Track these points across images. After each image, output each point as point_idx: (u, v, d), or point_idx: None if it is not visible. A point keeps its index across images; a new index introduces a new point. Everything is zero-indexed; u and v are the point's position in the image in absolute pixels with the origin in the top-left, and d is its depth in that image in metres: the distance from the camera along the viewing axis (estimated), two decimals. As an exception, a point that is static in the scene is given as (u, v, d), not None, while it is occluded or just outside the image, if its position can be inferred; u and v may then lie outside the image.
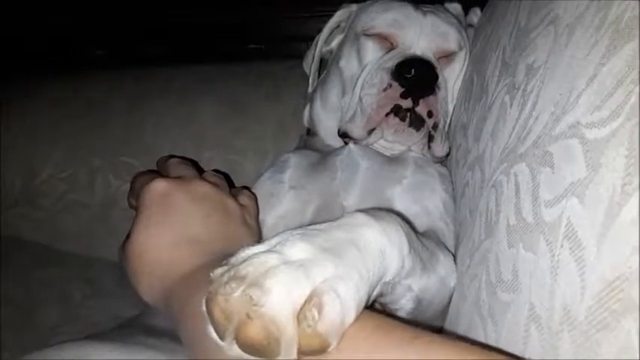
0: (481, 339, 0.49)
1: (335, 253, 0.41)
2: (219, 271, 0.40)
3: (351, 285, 0.40)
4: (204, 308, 0.38)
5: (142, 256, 0.58)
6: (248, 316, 0.35)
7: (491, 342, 0.46)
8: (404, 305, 0.58)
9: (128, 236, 0.60)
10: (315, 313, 0.36)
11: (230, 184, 0.71)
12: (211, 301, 0.37)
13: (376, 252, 0.46)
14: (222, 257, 0.48)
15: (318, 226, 0.45)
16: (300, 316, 0.36)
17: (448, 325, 0.64)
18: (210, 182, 0.66)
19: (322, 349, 0.36)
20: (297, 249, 0.40)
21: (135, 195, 0.65)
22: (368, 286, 0.43)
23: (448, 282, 0.63)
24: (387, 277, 0.48)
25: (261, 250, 0.41)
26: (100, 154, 1.21)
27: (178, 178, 0.65)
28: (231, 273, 0.38)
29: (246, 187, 0.76)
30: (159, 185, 0.61)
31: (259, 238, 0.66)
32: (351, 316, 0.38)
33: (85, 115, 1.24)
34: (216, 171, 0.72)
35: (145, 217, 0.60)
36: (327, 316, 0.36)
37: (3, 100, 1.26)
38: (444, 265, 0.62)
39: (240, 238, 0.63)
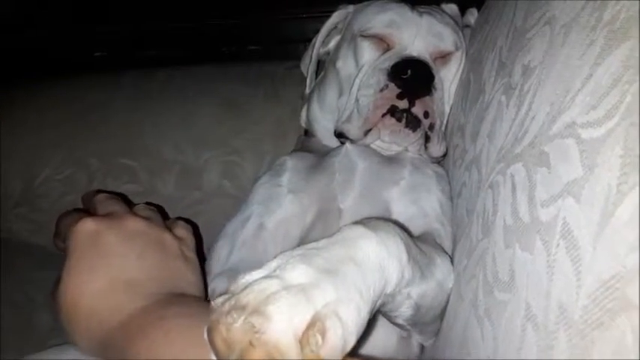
0: (478, 338, 0.49)
1: (335, 274, 0.42)
2: (219, 300, 0.40)
3: (353, 307, 0.41)
4: (205, 337, 0.39)
5: (75, 305, 0.53)
6: (251, 343, 0.36)
7: (488, 341, 0.47)
8: (403, 313, 0.58)
9: (58, 282, 0.55)
10: (319, 338, 0.36)
11: (163, 215, 0.67)
12: (213, 331, 0.38)
13: (376, 266, 0.46)
14: (164, 298, 0.51)
15: (316, 244, 0.46)
16: (302, 340, 0.37)
17: (445, 326, 0.64)
18: (142, 217, 0.62)
19: None
20: (297, 273, 0.41)
21: (62, 237, 0.61)
22: (369, 303, 0.43)
23: (446, 285, 0.63)
24: (388, 289, 0.49)
25: (261, 275, 0.41)
26: (98, 156, 1.21)
27: (107, 215, 0.60)
28: (232, 302, 0.38)
29: (181, 218, 0.71)
30: (87, 225, 0.57)
31: (200, 270, 0.63)
32: (352, 338, 0.39)
33: (84, 117, 1.24)
34: (148, 203, 0.68)
35: (75, 262, 0.55)
36: (330, 340, 0.37)
37: (2, 102, 1.26)
38: (441, 268, 0.62)
39: (180, 274, 0.60)
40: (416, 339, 0.71)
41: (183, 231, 0.66)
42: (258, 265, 0.71)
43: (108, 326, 0.51)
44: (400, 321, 0.61)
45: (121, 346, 0.49)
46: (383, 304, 0.51)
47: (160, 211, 0.67)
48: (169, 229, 0.64)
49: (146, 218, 0.62)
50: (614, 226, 0.32)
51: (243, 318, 0.36)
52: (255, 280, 0.40)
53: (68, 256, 0.56)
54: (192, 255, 0.64)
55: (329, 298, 0.39)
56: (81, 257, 0.55)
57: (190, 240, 0.66)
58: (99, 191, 0.69)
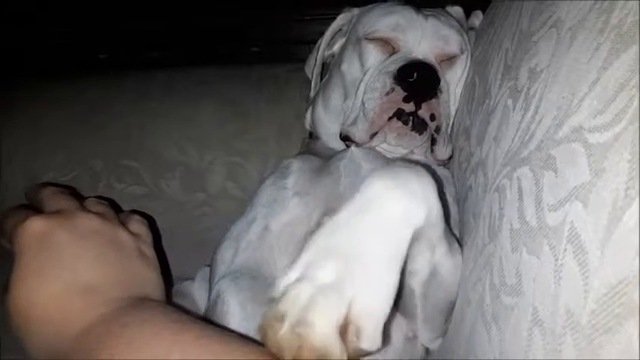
0: (485, 343, 0.49)
1: (361, 257, 0.45)
2: (265, 309, 0.44)
3: (382, 288, 0.45)
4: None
5: (27, 314, 0.49)
6: (300, 348, 0.40)
7: (495, 345, 0.47)
8: (420, 270, 0.59)
9: (6, 288, 0.50)
10: (355, 338, 0.42)
11: (116, 208, 0.63)
12: (264, 337, 0.43)
13: (402, 223, 0.49)
14: (125, 304, 0.49)
15: (341, 217, 0.48)
16: (344, 340, 0.41)
17: (452, 329, 0.64)
18: (94, 213, 0.57)
19: (366, 355, 0.43)
20: (327, 271, 0.44)
21: (7, 237, 0.55)
22: (396, 269, 0.47)
23: (458, 269, 0.63)
24: (418, 226, 0.50)
25: (293, 278, 0.45)
26: (102, 158, 1.21)
27: (57, 212, 0.55)
28: (274, 312, 0.43)
29: (135, 211, 0.67)
30: (35, 224, 0.52)
31: (159, 268, 0.60)
32: (383, 316, 0.44)
33: (87, 118, 1.24)
34: (99, 197, 0.64)
35: (23, 265, 0.50)
36: (365, 334, 0.42)
37: (5, 104, 1.26)
38: (458, 253, 0.63)
39: (139, 274, 0.56)
40: (422, 339, 0.71)
41: (138, 226, 0.62)
42: (266, 266, 0.72)
43: (66, 336, 0.47)
44: (414, 284, 0.61)
45: (81, 358, 0.46)
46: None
47: (112, 204, 0.63)
48: (124, 225, 0.60)
49: (99, 214, 0.57)
50: (622, 230, 0.32)
51: (287, 327, 0.41)
52: (290, 285, 0.44)
53: (16, 259, 0.51)
54: (150, 252, 0.60)
55: (358, 288, 0.43)
56: (30, 260, 0.50)
57: (147, 235, 0.62)
58: (44, 185, 0.64)
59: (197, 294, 0.92)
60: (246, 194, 1.13)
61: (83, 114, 1.25)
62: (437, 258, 0.59)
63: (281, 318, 0.42)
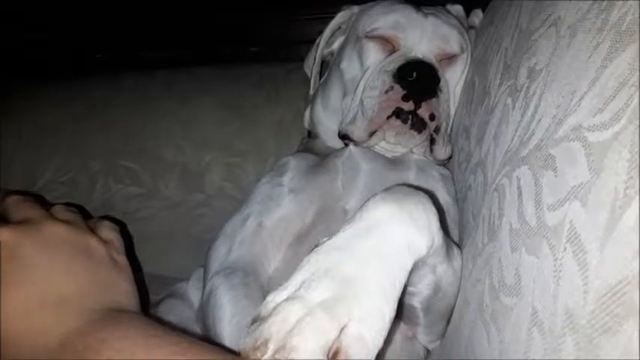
0: (484, 343, 0.49)
1: (359, 281, 0.43)
2: (252, 327, 0.41)
3: (376, 317, 0.42)
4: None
5: None
6: None
7: (494, 346, 0.46)
8: (422, 290, 0.58)
9: None
10: None
11: (84, 214, 0.60)
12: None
13: (403, 249, 0.47)
14: (100, 316, 0.47)
15: (342, 237, 0.47)
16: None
17: (451, 329, 0.64)
18: (62, 221, 0.55)
19: None
20: (320, 291, 0.42)
21: None
22: (394, 299, 0.45)
23: (459, 276, 0.63)
24: (419, 257, 0.49)
25: (285, 296, 0.43)
26: (100, 158, 1.21)
27: (23, 222, 0.53)
28: (258, 334, 0.40)
29: (105, 217, 0.65)
30: (1, 235, 0.49)
31: (132, 275, 0.58)
32: (375, 348, 0.41)
33: (85, 119, 1.24)
34: (67, 204, 0.61)
35: None
36: None
37: (4, 104, 1.26)
38: (457, 258, 0.63)
39: (113, 284, 0.54)
40: (421, 340, 0.70)
41: (109, 232, 0.60)
42: (259, 263, 0.71)
43: (41, 352, 0.45)
44: (416, 302, 0.61)
45: None
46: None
47: (80, 210, 0.61)
48: (94, 232, 0.57)
49: (67, 222, 0.55)
50: (622, 230, 0.32)
51: (270, 352, 0.39)
52: (280, 304, 0.42)
53: None
54: (122, 259, 0.58)
55: (354, 315, 0.41)
56: None
57: (118, 242, 0.60)
58: (9, 192, 0.60)
59: (192, 294, 0.92)
60: (244, 195, 1.12)
61: (81, 114, 1.25)
62: (438, 275, 0.58)
63: (265, 342, 0.39)
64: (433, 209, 0.52)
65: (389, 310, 0.43)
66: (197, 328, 0.79)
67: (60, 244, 0.52)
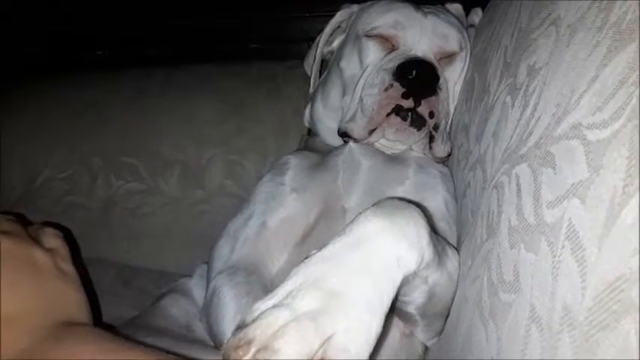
0: (482, 339, 0.49)
1: (346, 295, 0.43)
2: (235, 332, 0.41)
3: (362, 330, 0.42)
4: None
5: None
6: None
7: (493, 342, 0.47)
8: (416, 299, 0.58)
9: None
10: None
11: (24, 221, 0.57)
12: None
13: (392, 264, 0.47)
14: (51, 333, 0.45)
15: (331, 249, 0.47)
16: None
17: (449, 326, 0.64)
18: (3, 233, 0.51)
19: None
20: (308, 300, 0.42)
21: None
22: (381, 314, 0.44)
23: (455, 278, 0.63)
24: (408, 275, 0.49)
25: (272, 303, 0.43)
26: (100, 155, 1.21)
27: None
28: (241, 335, 0.40)
29: (47, 223, 0.62)
30: None
31: (81, 284, 0.55)
32: None
33: (85, 115, 1.25)
34: (4, 212, 0.58)
35: None
36: None
37: (4, 101, 1.26)
38: (452, 260, 0.63)
39: (62, 296, 0.51)
40: (419, 337, 0.71)
41: (53, 240, 0.57)
42: (262, 262, 0.71)
43: None
44: (411, 309, 0.61)
45: None
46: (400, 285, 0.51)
47: (20, 217, 0.57)
48: (37, 241, 0.54)
49: (7, 233, 0.52)
50: (620, 227, 0.32)
51: (252, 352, 0.38)
52: (265, 311, 0.41)
53: None
54: (69, 268, 0.55)
55: (339, 327, 0.41)
56: None
57: (64, 249, 0.57)
58: None
59: (195, 291, 0.92)
60: (244, 192, 1.13)
61: (81, 111, 1.25)
62: (431, 284, 0.58)
63: (248, 342, 0.39)
64: (424, 223, 0.52)
65: (375, 324, 0.43)
66: (199, 325, 0.79)
67: (2, 258, 0.48)
